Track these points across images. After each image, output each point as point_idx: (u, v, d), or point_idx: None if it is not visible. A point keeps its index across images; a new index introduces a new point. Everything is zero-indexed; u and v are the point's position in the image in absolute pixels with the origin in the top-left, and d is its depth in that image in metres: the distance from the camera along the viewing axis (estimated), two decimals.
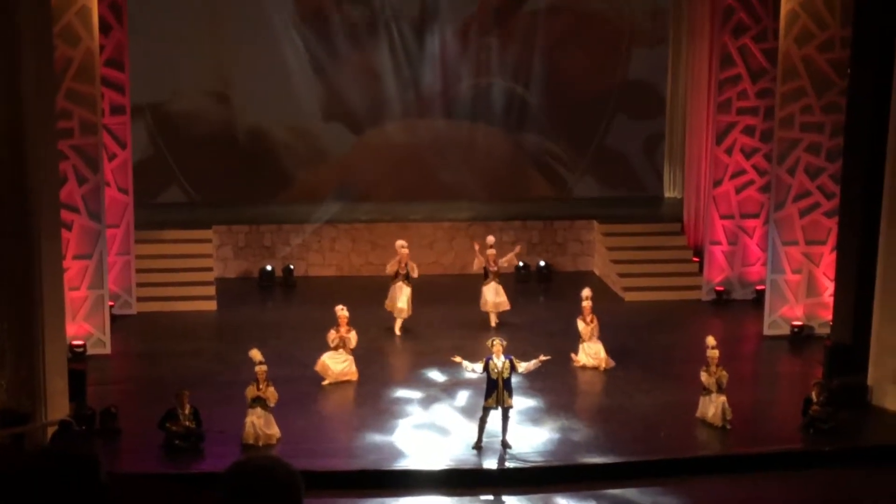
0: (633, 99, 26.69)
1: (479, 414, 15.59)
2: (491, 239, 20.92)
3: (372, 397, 17.41)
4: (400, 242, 20.63)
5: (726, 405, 16.18)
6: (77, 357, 18.11)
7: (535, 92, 26.44)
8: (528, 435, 15.92)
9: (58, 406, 15.09)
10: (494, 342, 15.64)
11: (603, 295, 21.73)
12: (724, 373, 16.32)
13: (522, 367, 15.64)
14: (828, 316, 19.40)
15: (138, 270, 21.17)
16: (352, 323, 18.14)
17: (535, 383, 17.45)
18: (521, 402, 16.39)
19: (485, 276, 20.61)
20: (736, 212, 22.07)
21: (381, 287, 20.68)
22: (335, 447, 15.65)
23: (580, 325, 18.85)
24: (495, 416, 15.47)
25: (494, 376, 15.38)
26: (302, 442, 15.59)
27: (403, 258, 20.26)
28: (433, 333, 20.27)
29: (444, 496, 14.66)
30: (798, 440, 16.07)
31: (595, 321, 18.86)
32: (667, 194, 26.46)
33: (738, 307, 21.99)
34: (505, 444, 15.45)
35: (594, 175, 26.93)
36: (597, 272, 24.30)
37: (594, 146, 26.81)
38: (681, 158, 25.18)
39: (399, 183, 25.87)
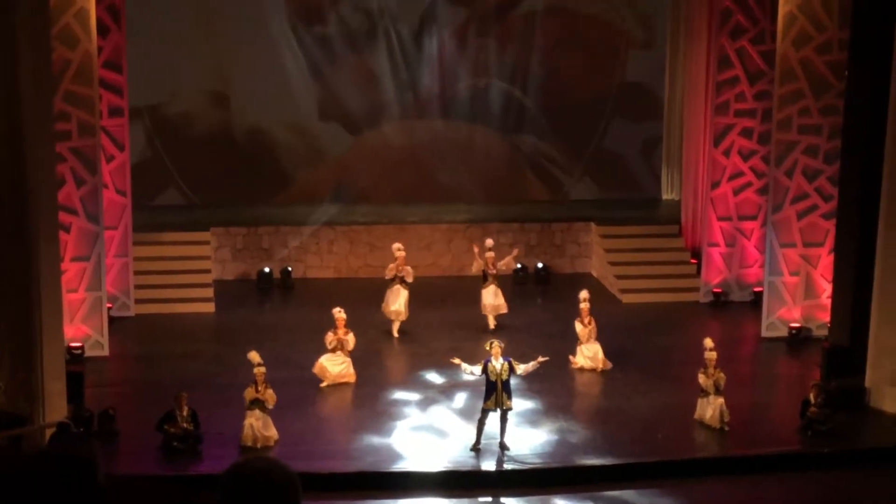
0: (630, 101, 26.68)
1: (478, 416, 15.59)
2: (490, 242, 20.89)
3: (370, 399, 17.40)
4: (396, 245, 20.61)
5: (724, 407, 16.17)
6: (75, 359, 18.10)
7: (532, 94, 26.44)
8: (527, 436, 15.91)
9: (56, 408, 15.10)
10: (493, 344, 15.63)
11: (601, 297, 21.70)
12: (722, 374, 16.31)
13: (521, 368, 15.63)
14: (826, 318, 19.39)
15: (136, 272, 21.16)
16: (350, 325, 18.11)
17: (533, 385, 17.45)
18: (519, 404, 16.36)
19: (484, 279, 20.58)
20: (734, 214, 22.07)
21: (379, 289, 20.66)
22: (333, 449, 15.64)
23: (578, 326, 18.85)
24: (493, 417, 15.47)
25: (493, 378, 15.38)
26: (300, 444, 15.57)
27: (400, 261, 20.25)
28: (431, 335, 20.25)
29: (443, 498, 14.66)
30: (796, 442, 16.07)
31: (593, 323, 18.86)
32: (664, 196, 26.47)
33: (735, 309, 21.97)
34: (503, 446, 15.44)
35: (592, 177, 26.91)
36: (594, 274, 24.29)
37: (592, 148, 26.79)
38: (678, 160, 25.17)
39: (397, 184, 25.85)
